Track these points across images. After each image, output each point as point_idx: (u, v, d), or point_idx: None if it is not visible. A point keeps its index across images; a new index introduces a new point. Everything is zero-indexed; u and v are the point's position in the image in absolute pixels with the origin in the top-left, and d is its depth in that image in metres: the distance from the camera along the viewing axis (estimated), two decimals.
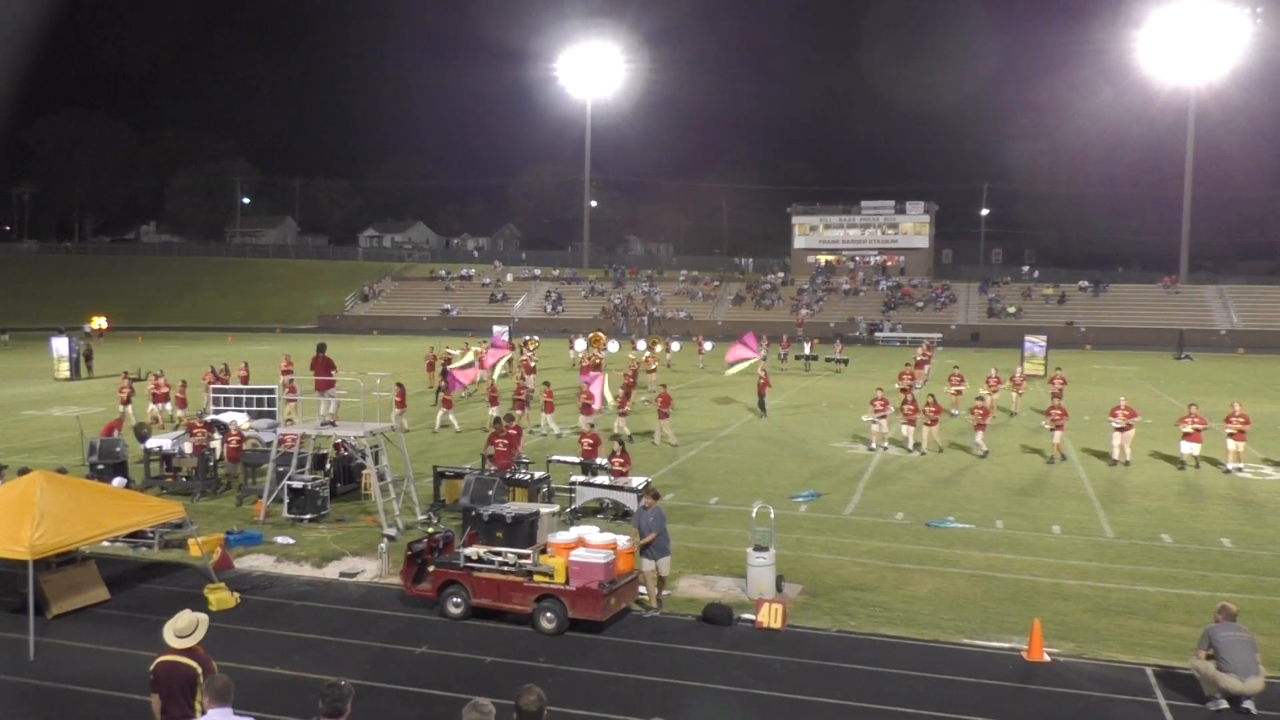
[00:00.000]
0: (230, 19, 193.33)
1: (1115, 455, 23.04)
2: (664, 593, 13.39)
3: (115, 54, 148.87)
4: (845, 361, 46.40)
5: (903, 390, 29.33)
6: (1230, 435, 22.44)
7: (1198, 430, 22.49)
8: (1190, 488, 20.79)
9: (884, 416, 25.04)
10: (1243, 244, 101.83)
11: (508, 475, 17.88)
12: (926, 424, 24.64)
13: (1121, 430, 22.97)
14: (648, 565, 13.11)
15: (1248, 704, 10.05)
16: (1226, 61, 73.23)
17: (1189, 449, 22.60)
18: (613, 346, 47.77)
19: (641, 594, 13.25)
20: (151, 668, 7.93)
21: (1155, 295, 76.22)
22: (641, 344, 47.89)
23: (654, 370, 37.63)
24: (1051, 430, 23.77)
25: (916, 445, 24.60)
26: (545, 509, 14.55)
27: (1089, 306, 74.78)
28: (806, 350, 48.44)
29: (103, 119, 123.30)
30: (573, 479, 18.44)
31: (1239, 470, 22.16)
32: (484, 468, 18.80)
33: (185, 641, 7.92)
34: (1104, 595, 13.87)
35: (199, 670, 7.85)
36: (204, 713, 7.66)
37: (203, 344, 59.84)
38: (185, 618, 8.06)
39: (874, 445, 25.09)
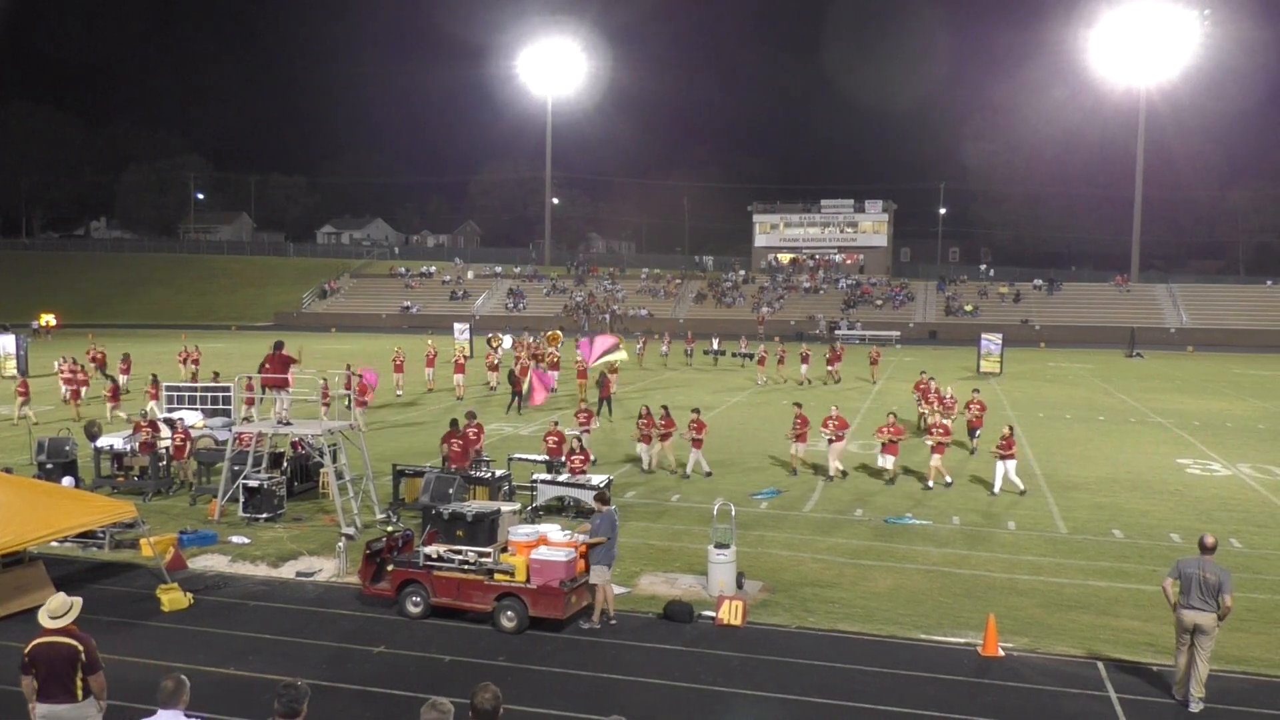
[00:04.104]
0: (183, 10, 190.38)
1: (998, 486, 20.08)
2: (602, 609, 12.53)
3: (64, 45, 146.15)
4: (750, 356, 46.89)
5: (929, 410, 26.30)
6: (933, 449, 20.66)
7: (894, 442, 20.89)
8: (1139, 484, 21.16)
9: (587, 431, 22.60)
10: (1192, 243, 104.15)
11: (468, 474, 17.78)
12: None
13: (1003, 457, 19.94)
14: (598, 577, 12.48)
15: (1195, 706, 10.22)
16: (1177, 64, 74.75)
17: (885, 461, 21.09)
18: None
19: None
20: (26, 650, 7.94)
21: (1108, 294, 77.67)
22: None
23: (615, 371, 37.52)
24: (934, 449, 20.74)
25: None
26: (506, 507, 14.49)
27: (1043, 305, 76.00)
28: (715, 345, 49.53)
29: (51, 112, 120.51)
30: (535, 477, 18.38)
31: (946, 485, 20.48)
32: (444, 467, 18.69)
33: (59, 622, 8.02)
34: (1057, 590, 14.09)
35: (80, 648, 7.90)
36: (86, 696, 7.89)
37: (155, 341, 58.78)
38: (58, 599, 8.21)
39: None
